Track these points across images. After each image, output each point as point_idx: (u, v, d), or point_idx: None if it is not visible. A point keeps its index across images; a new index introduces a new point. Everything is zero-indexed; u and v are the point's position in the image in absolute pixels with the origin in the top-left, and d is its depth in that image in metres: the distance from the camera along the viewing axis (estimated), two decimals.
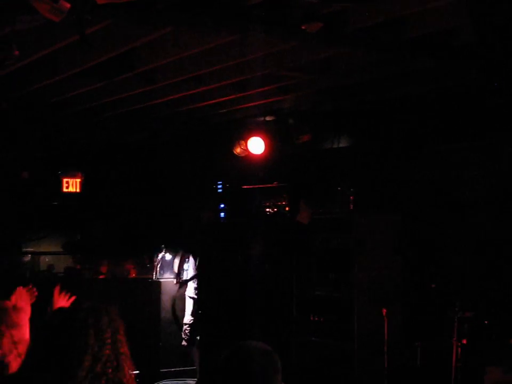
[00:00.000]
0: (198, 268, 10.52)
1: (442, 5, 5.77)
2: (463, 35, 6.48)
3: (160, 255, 11.18)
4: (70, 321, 3.00)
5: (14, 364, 3.94)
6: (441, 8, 5.91)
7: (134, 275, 11.80)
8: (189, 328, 10.55)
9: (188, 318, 10.57)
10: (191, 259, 10.86)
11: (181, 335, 10.75)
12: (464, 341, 7.25)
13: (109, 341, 2.98)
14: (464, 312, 7.26)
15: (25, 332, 4.28)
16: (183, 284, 10.87)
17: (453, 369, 7.33)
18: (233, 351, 3.05)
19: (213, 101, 9.57)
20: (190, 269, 10.88)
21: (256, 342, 3.10)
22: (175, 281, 11.03)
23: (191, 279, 10.75)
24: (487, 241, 8.28)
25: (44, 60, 7.56)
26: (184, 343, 10.69)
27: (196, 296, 10.62)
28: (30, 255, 12.35)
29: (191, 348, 10.66)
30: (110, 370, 2.94)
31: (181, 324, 10.78)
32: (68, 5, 4.66)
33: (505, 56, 3.84)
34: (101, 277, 11.70)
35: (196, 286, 10.65)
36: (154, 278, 11.15)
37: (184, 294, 10.86)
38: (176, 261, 11.15)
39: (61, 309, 3.22)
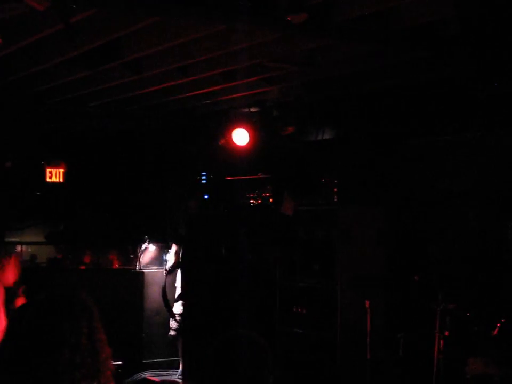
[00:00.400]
0: (182, 258, 10.50)
1: None
2: (448, 27, 6.49)
3: (143, 246, 11.15)
4: (44, 314, 2.97)
5: None
6: (428, 0, 5.92)
7: (117, 265, 11.77)
8: (179, 318, 10.50)
9: (178, 308, 10.52)
10: (173, 249, 10.83)
11: (168, 325, 10.72)
12: (446, 333, 7.29)
13: (85, 330, 2.95)
14: (446, 304, 7.29)
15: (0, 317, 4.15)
16: (169, 273, 10.84)
17: (435, 361, 7.37)
18: (225, 339, 3.05)
19: (198, 92, 9.55)
20: (171, 258, 10.85)
21: (247, 331, 3.11)
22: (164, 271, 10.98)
23: (174, 268, 10.72)
24: (471, 233, 8.32)
25: (28, 48, 7.51)
26: (172, 332, 10.64)
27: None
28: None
29: (179, 338, 10.63)
30: (89, 360, 2.93)
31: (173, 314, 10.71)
32: None
33: (489, 49, 3.85)
34: (83, 267, 11.66)
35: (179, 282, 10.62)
36: (137, 268, 11.12)
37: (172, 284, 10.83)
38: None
39: (33, 302, 3.16)
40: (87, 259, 11.80)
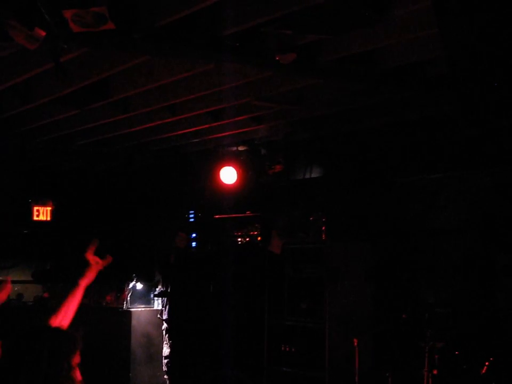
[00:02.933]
0: (168, 298, 10.44)
1: (414, 38, 5.85)
2: (435, 67, 6.57)
3: (131, 284, 11.10)
4: (28, 343, 2.99)
5: None
6: (414, 41, 5.99)
7: (104, 304, 11.68)
8: (166, 361, 10.38)
9: (166, 351, 10.40)
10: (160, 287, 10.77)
11: (155, 366, 10.61)
12: (435, 371, 7.27)
13: (65, 365, 2.97)
14: (435, 342, 7.28)
15: None
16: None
17: None
18: (212, 379, 3.06)
19: (186, 130, 9.58)
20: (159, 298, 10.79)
21: (232, 371, 3.11)
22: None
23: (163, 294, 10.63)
24: (459, 269, 8.33)
25: (16, 87, 7.54)
26: (165, 376, 10.47)
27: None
28: None
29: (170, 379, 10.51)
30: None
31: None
32: (43, 33, 4.66)
33: (477, 89, 3.90)
34: None
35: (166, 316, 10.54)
36: (125, 307, 11.06)
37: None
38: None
39: (23, 331, 3.21)
40: None
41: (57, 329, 3.18)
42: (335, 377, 8.46)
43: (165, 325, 10.45)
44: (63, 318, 4.29)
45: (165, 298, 10.47)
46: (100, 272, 4.74)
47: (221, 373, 2.66)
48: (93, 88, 7.51)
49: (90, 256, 4.86)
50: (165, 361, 10.27)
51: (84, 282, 4.72)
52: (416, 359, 7.47)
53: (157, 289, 10.87)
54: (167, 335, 10.33)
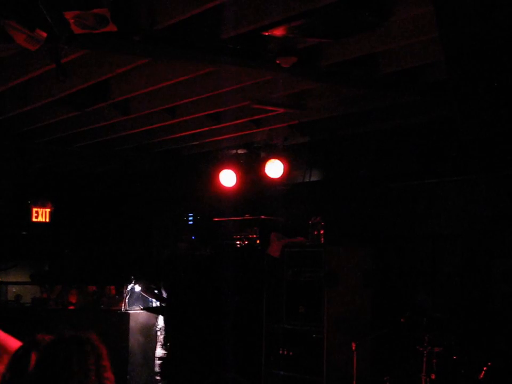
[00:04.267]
0: (167, 300, 10.44)
1: (414, 43, 5.87)
2: (434, 72, 6.58)
3: (129, 286, 11.10)
4: (53, 352, 3.00)
5: None
6: (414, 46, 6.01)
7: (103, 306, 11.68)
8: (160, 362, 10.40)
9: (159, 352, 10.43)
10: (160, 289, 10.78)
11: (151, 367, 10.62)
12: (433, 376, 7.26)
13: (92, 367, 2.99)
14: (433, 347, 7.27)
15: None
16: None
17: None
18: (211, 382, 3.06)
19: (186, 133, 9.59)
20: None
21: (231, 374, 3.11)
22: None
23: (156, 310, 10.63)
24: (457, 274, 8.33)
25: (16, 89, 7.55)
26: (157, 377, 10.51)
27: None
28: None
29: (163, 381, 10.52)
30: None
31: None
32: (45, 34, 4.66)
33: (476, 95, 3.90)
34: (71, 307, 11.58)
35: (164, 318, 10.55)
36: (123, 309, 11.05)
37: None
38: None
39: (43, 340, 3.21)
40: (72, 299, 11.71)
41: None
42: (333, 381, 8.44)
43: (158, 327, 10.46)
44: None
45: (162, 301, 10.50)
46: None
47: (219, 376, 2.66)
48: (93, 90, 7.52)
49: None
50: (158, 362, 10.31)
51: None
52: (414, 363, 7.47)
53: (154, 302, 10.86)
54: (161, 337, 10.35)
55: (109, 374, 3.07)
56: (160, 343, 10.44)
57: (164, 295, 10.70)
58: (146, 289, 10.73)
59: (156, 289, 10.86)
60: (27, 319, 10.12)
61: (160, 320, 10.58)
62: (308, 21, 5.24)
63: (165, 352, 10.30)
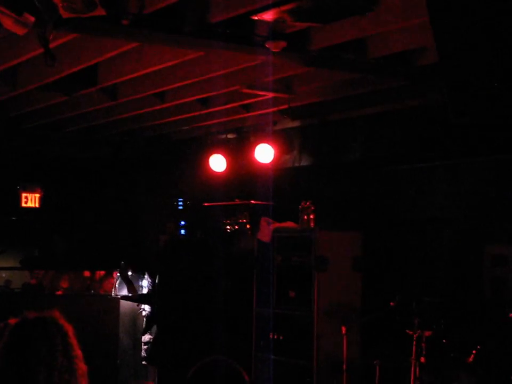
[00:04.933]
0: (158, 285, 10.43)
1: (405, 26, 5.85)
2: (425, 56, 6.57)
3: (119, 272, 11.08)
4: (18, 334, 2.98)
5: None
6: (404, 29, 5.99)
7: (92, 291, 11.67)
8: (145, 347, 10.43)
9: (146, 337, 10.45)
10: (147, 275, 10.77)
11: (140, 352, 10.65)
12: (423, 360, 7.29)
13: (59, 347, 2.97)
14: (422, 331, 7.30)
15: None
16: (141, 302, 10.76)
17: None
18: (202, 364, 3.05)
19: (175, 118, 9.57)
20: (147, 285, 10.79)
21: (224, 357, 3.10)
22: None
23: (144, 296, 10.62)
24: (447, 259, 8.36)
25: (4, 73, 7.51)
26: (144, 362, 10.56)
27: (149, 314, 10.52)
28: None
29: (149, 365, 10.56)
30: (66, 376, 2.94)
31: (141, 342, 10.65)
32: (32, 18, 4.62)
33: (468, 78, 3.89)
34: (59, 292, 11.56)
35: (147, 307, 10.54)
36: (113, 294, 11.05)
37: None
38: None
39: (5, 324, 3.19)
40: (64, 284, 11.70)
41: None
42: (322, 365, 8.47)
43: (145, 312, 10.47)
44: None
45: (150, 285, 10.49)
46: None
47: (210, 359, 2.66)
48: (82, 75, 7.47)
49: None
50: (144, 347, 10.34)
51: None
52: (404, 347, 7.49)
53: (144, 285, 10.84)
54: (147, 322, 10.38)
55: (77, 352, 3.06)
56: (145, 328, 10.46)
57: (148, 282, 10.69)
58: (123, 278, 10.70)
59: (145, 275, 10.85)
60: (17, 305, 10.10)
61: (146, 306, 10.58)
62: (298, 4, 5.21)
63: (150, 337, 10.32)
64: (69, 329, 3.08)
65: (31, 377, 2.87)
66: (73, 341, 3.06)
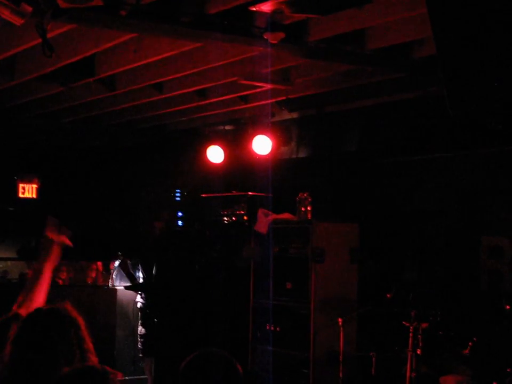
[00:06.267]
0: (155, 276, 10.43)
1: (403, 18, 5.85)
2: (423, 48, 6.57)
3: (116, 262, 11.08)
4: (32, 324, 2.97)
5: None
6: (402, 21, 5.98)
7: (90, 281, 11.66)
8: (141, 340, 10.43)
9: (141, 330, 10.44)
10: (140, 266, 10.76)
11: (135, 344, 10.65)
12: (419, 351, 7.31)
13: (74, 340, 2.97)
14: (419, 322, 7.31)
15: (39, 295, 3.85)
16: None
17: (407, 380, 7.38)
18: (194, 357, 3.05)
19: (173, 109, 9.56)
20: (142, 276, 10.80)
21: (216, 349, 3.11)
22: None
23: (137, 287, 10.61)
24: (443, 252, 8.37)
25: (1, 64, 7.49)
26: (140, 354, 10.56)
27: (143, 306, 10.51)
28: None
29: (144, 358, 10.56)
30: None
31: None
32: (30, 8, 4.62)
33: (465, 70, 3.89)
34: (60, 281, 11.56)
35: (143, 295, 10.53)
36: (110, 285, 11.05)
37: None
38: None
39: (15, 315, 3.18)
40: (62, 275, 11.69)
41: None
42: (319, 357, 8.49)
43: (139, 304, 10.46)
44: (31, 306, 3.75)
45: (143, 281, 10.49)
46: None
47: (203, 351, 2.66)
48: (79, 65, 7.46)
49: (51, 233, 4.44)
50: (140, 340, 10.34)
51: (50, 265, 4.23)
52: (401, 339, 7.51)
53: (140, 276, 10.84)
54: (142, 315, 10.38)
55: (89, 345, 3.06)
56: (140, 321, 10.46)
57: (141, 273, 10.69)
58: (125, 272, 10.70)
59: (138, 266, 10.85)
60: (14, 296, 10.10)
61: (139, 297, 10.58)
62: None
63: (145, 329, 10.31)
64: (81, 322, 3.08)
65: (47, 370, 2.86)
66: (86, 333, 3.06)
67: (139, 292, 10.52)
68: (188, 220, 10.87)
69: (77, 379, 2.76)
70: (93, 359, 3.04)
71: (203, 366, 3.00)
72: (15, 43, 6.59)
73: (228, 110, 9.54)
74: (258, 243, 9.34)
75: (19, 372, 2.89)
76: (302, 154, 9.82)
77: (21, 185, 11.67)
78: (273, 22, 5.83)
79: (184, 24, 5.76)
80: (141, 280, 10.78)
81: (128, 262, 10.83)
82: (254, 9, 5.52)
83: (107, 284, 11.13)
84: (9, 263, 12.29)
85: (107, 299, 10.92)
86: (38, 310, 3.09)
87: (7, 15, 4.66)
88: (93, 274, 11.58)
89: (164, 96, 8.71)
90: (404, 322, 7.38)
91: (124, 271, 10.67)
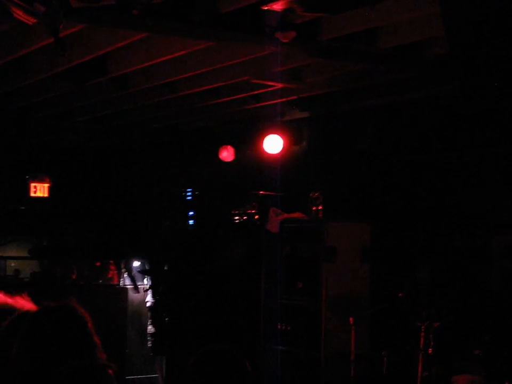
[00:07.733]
0: (165, 275, 10.46)
1: (415, 17, 5.84)
2: (435, 46, 6.55)
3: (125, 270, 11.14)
4: (40, 324, 2.98)
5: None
6: (415, 20, 5.97)
7: (101, 281, 11.70)
8: (151, 339, 10.47)
9: (151, 329, 10.48)
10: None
11: (147, 343, 10.69)
12: (430, 351, 7.30)
13: (82, 337, 2.98)
14: (431, 322, 7.30)
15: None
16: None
17: (418, 379, 7.37)
18: (202, 354, 3.04)
19: (185, 108, 9.56)
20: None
21: (224, 346, 3.10)
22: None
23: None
24: (456, 251, 8.34)
25: (14, 63, 7.51)
26: (151, 353, 10.61)
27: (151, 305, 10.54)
28: None
29: (156, 356, 10.60)
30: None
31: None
32: (43, 8, 4.63)
33: (477, 69, 3.89)
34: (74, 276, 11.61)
35: (151, 295, 10.57)
36: (121, 284, 11.09)
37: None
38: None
39: (24, 313, 3.18)
40: (73, 275, 11.74)
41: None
42: (330, 356, 8.49)
43: (149, 304, 10.50)
44: None
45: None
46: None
47: (212, 348, 2.67)
48: (92, 65, 7.48)
49: None
50: (151, 338, 10.38)
51: None
52: (412, 338, 7.50)
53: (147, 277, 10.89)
54: (151, 314, 10.42)
55: (97, 342, 3.07)
56: (150, 320, 10.50)
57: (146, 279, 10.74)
58: (129, 276, 10.76)
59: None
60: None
61: (149, 297, 10.62)
62: None
63: (155, 328, 10.34)
64: (88, 318, 3.10)
65: (54, 367, 2.86)
66: (92, 330, 3.07)
67: (148, 292, 10.57)
68: (198, 218, 10.88)
69: (72, 374, 2.79)
70: (101, 356, 3.04)
71: (211, 362, 2.99)
72: (27, 42, 6.61)
73: (239, 109, 9.54)
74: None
75: (25, 368, 2.90)
76: (313, 154, 9.81)
77: (32, 184, 11.73)
78: (285, 21, 5.83)
79: (196, 24, 5.76)
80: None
81: (134, 266, 10.89)
82: (266, 8, 5.52)
83: (118, 283, 11.18)
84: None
85: (118, 298, 10.96)
86: (46, 307, 3.09)
87: (20, 14, 4.67)
88: (109, 274, 11.62)
89: (175, 95, 8.71)
90: (415, 322, 7.37)
91: (128, 275, 10.74)
